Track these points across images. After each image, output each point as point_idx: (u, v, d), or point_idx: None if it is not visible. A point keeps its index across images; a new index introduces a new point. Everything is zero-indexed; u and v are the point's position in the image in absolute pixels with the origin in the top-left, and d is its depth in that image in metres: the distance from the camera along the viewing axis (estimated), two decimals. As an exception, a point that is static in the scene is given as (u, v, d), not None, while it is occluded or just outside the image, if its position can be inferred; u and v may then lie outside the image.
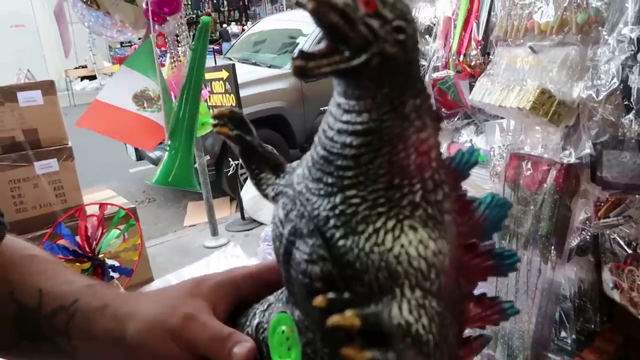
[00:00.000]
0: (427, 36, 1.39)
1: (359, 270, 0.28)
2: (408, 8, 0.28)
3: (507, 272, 0.30)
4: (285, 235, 0.32)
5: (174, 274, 1.48)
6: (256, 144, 0.40)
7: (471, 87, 1.20)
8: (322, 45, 0.27)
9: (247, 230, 3.46)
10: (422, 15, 1.42)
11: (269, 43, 5.01)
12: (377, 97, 0.28)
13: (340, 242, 0.28)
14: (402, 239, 0.27)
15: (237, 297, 0.40)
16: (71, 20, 2.18)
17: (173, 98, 2.24)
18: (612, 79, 0.84)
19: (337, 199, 0.29)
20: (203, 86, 2.25)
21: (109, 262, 1.44)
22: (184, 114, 2.09)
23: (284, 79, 4.23)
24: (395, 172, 0.28)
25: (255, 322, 0.37)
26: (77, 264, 1.36)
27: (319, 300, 0.25)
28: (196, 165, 3.08)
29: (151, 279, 2.05)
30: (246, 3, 14.66)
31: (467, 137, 1.33)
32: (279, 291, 0.37)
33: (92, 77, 10.08)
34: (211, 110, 3.20)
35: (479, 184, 1.17)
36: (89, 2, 1.95)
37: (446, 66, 1.31)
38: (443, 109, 1.34)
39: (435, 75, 1.33)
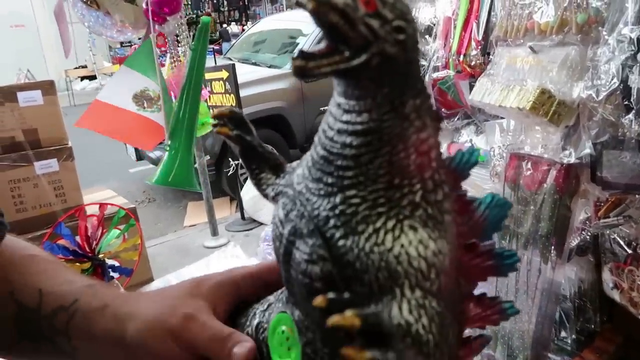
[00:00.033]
0: (427, 36, 1.39)
1: (359, 270, 0.28)
2: (408, 8, 0.28)
3: (507, 272, 0.30)
4: (285, 235, 0.32)
5: (174, 274, 1.48)
6: (256, 144, 0.40)
7: (471, 87, 1.21)
8: (322, 45, 0.27)
9: (247, 230, 3.46)
10: (422, 15, 1.42)
11: (269, 43, 5.01)
12: (377, 97, 0.28)
13: (340, 242, 0.28)
14: (402, 239, 0.27)
15: (237, 297, 0.40)
16: (71, 20, 2.18)
17: (173, 98, 2.24)
18: (612, 79, 0.84)
19: (337, 199, 0.29)
20: (203, 86, 2.25)
21: (109, 262, 1.44)
22: (184, 114, 2.09)
23: (284, 79, 4.23)
24: (395, 172, 0.28)
25: (256, 322, 0.37)
26: (77, 264, 1.36)
27: (318, 300, 0.25)
28: (196, 165, 3.08)
29: (151, 279, 2.05)
30: (246, 3, 14.66)
31: (467, 137, 1.33)
32: (279, 291, 0.37)
33: (92, 77, 10.08)
34: (211, 110, 3.20)
35: (479, 184, 1.17)
36: (89, 2, 1.95)
37: (446, 66, 1.31)
38: (443, 109, 1.34)
39: (435, 75, 1.33)
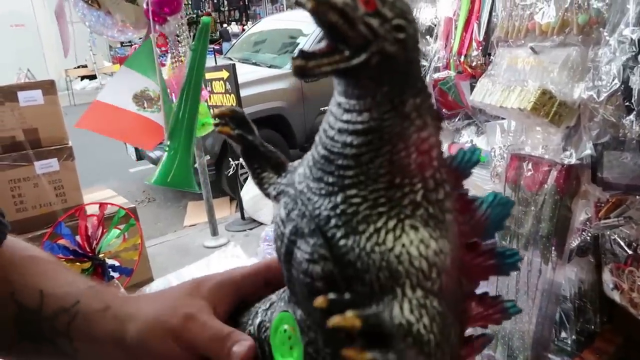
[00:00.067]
0: (428, 37, 1.39)
1: (360, 269, 0.28)
2: (408, 7, 0.28)
3: (509, 271, 0.30)
4: (286, 235, 0.32)
5: (174, 274, 1.47)
6: (258, 143, 0.39)
7: (472, 87, 1.21)
8: (322, 44, 0.27)
9: (247, 230, 3.46)
10: (423, 15, 1.42)
11: (269, 43, 5.01)
12: (377, 96, 0.28)
13: (342, 242, 0.28)
14: (403, 239, 0.27)
15: (238, 296, 0.40)
16: (72, 20, 2.18)
17: (174, 98, 2.24)
18: (613, 80, 0.84)
19: (338, 199, 0.29)
20: (203, 87, 2.24)
21: (109, 261, 1.44)
22: (183, 114, 2.08)
23: (284, 79, 4.24)
24: (396, 171, 0.28)
25: (258, 320, 0.37)
26: (78, 263, 1.36)
27: (319, 301, 0.25)
28: (196, 165, 3.08)
29: (151, 279, 2.05)
30: (246, 3, 14.67)
31: (468, 138, 1.34)
32: (281, 290, 0.37)
33: (92, 77, 10.08)
34: (211, 110, 3.20)
35: (480, 185, 1.17)
36: (90, 2, 1.94)
37: (447, 67, 1.31)
38: (444, 110, 1.34)
39: (436, 75, 1.33)
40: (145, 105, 2.20)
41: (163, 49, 2.40)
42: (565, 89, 0.94)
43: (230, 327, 0.37)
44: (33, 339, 0.42)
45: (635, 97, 0.82)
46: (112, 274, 1.43)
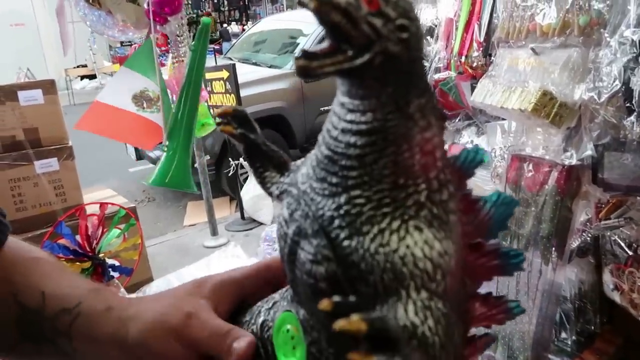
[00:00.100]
0: (428, 37, 1.39)
1: (364, 271, 0.28)
2: (411, 6, 0.28)
3: (512, 272, 0.30)
4: (289, 235, 0.32)
5: (174, 274, 1.47)
6: (260, 142, 0.39)
7: (473, 88, 1.21)
8: (325, 44, 0.27)
9: (247, 230, 3.46)
10: (424, 16, 1.42)
11: (270, 43, 5.01)
12: (381, 96, 0.28)
13: (345, 243, 0.28)
14: (407, 240, 0.27)
15: (239, 296, 0.40)
16: (73, 19, 2.17)
17: (175, 98, 2.23)
18: (613, 81, 0.84)
19: (342, 199, 0.29)
20: (203, 87, 2.24)
21: (109, 261, 1.43)
22: (182, 114, 2.08)
23: (284, 79, 4.24)
24: (400, 172, 0.28)
25: (260, 320, 0.37)
26: (78, 263, 1.36)
27: (324, 304, 0.25)
28: (196, 165, 3.08)
29: (151, 279, 2.05)
30: (246, 3, 14.67)
31: (468, 138, 1.34)
32: (284, 289, 0.37)
33: (92, 77, 10.07)
34: (211, 111, 3.20)
35: (480, 186, 1.17)
36: (91, 1, 1.94)
37: (448, 67, 1.31)
38: (444, 110, 1.34)
39: (436, 76, 1.33)
40: (145, 105, 2.20)
41: (163, 48, 2.39)
42: (566, 90, 0.94)
43: (230, 324, 0.37)
44: (34, 340, 0.42)
45: (636, 99, 0.82)
46: (112, 273, 1.42)
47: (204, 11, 13.31)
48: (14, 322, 0.42)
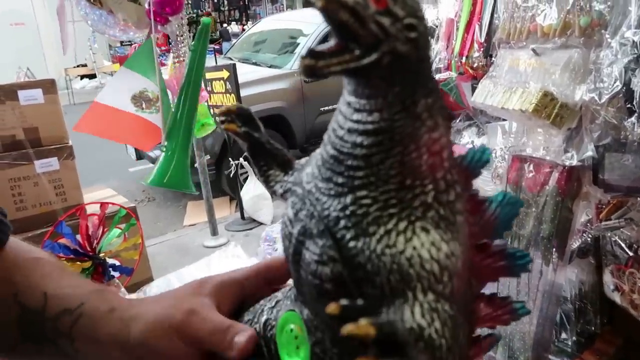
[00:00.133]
0: (429, 38, 1.39)
1: (370, 272, 0.27)
2: (419, 5, 0.28)
3: (519, 273, 0.30)
4: (294, 235, 0.32)
5: (174, 274, 1.47)
6: (264, 140, 0.39)
7: (473, 89, 1.21)
8: (331, 43, 0.27)
9: (247, 230, 3.46)
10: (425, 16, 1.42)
11: (270, 43, 5.01)
12: (388, 96, 0.28)
13: (351, 244, 0.28)
14: (414, 241, 0.27)
15: (240, 296, 0.40)
16: (73, 19, 2.17)
17: (174, 99, 2.23)
18: (614, 82, 0.85)
19: (348, 200, 0.29)
20: (203, 87, 2.24)
21: (110, 261, 1.43)
22: (181, 115, 2.08)
23: (284, 79, 4.24)
24: (406, 172, 0.28)
25: (263, 318, 0.37)
26: (78, 262, 1.36)
27: (332, 308, 0.24)
28: (196, 165, 3.08)
29: (150, 279, 2.04)
30: (246, 3, 14.67)
31: (469, 139, 1.34)
32: (287, 288, 0.37)
33: (92, 76, 10.07)
34: (211, 111, 3.20)
35: (481, 186, 1.17)
36: (92, 0, 1.94)
37: (448, 68, 1.31)
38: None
39: (437, 76, 1.33)
40: (144, 106, 2.19)
41: (163, 48, 2.38)
42: (567, 90, 0.94)
43: (231, 320, 0.37)
44: (36, 340, 0.42)
45: (637, 99, 0.82)
46: (112, 273, 1.42)
47: (204, 11, 13.32)
48: (14, 323, 0.42)
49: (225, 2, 14.40)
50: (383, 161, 0.28)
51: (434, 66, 1.35)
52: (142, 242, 1.77)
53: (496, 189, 1.13)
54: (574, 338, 1.11)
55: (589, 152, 0.91)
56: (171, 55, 2.24)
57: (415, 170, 0.28)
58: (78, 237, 1.38)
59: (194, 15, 11.87)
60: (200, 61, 2.03)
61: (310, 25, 4.53)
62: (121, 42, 9.40)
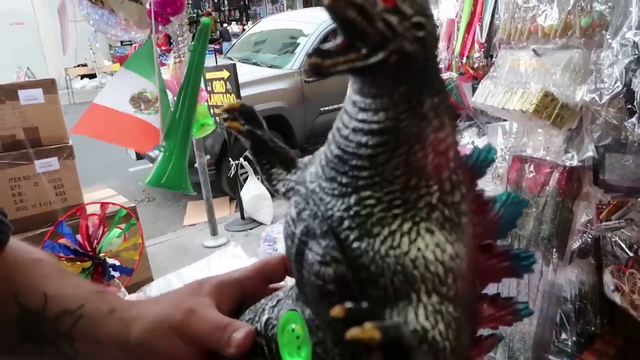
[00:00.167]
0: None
1: (374, 273, 0.27)
2: (428, 3, 0.27)
3: (523, 274, 0.30)
4: (297, 235, 0.32)
5: (174, 274, 1.47)
6: (267, 138, 0.38)
7: (474, 89, 1.21)
8: (338, 41, 0.26)
9: (247, 230, 3.46)
10: (425, 17, 1.42)
11: (270, 43, 5.01)
12: (394, 95, 0.27)
13: (355, 244, 0.28)
14: (418, 242, 0.27)
15: (240, 296, 0.40)
16: (75, 18, 2.17)
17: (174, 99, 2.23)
18: (615, 83, 0.85)
19: (352, 200, 0.28)
20: (202, 88, 2.23)
21: (110, 261, 1.43)
22: (180, 115, 2.07)
23: (284, 79, 4.24)
24: (411, 172, 0.28)
25: (265, 317, 0.37)
26: (78, 262, 1.36)
27: (336, 311, 0.24)
28: (196, 165, 3.08)
29: (150, 279, 2.04)
30: (247, 3, 14.67)
31: (469, 139, 1.34)
32: (288, 287, 0.37)
33: (92, 76, 10.06)
34: (211, 111, 3.19)
35: (482, 187, 1.17)
36: (94, 0, 1.94)
37: (449, 68, 1.31)
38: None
39: (438, 77, 1.33)
40: (142, 107, 2.19)
41: (163, 48, 2.38)
42: (568, 91, 0.94)
43: (229, 318, 0.37)
44: (35, 341, 0.42)
45: (637, 100, 0.82)
46: (112, 273, 1.42)
47: (204, 11, 13.32)
48: (14, 323, 0.42)
49: (226, 2, 14.40)
50: (388, 161, 0.28)
51: (434, 66, 1.35)
52: (142, 242, 1.77)
53: (496, 190, 1.13)
54: (574, 338, 1.11)
55: (590, 152, 0.91)
56: (172, 55, 2.24)
57: (420, 170, 0.28)
58: (78, 237, 1.38)
59: (194, 15, 11.88)
60: (199, 61, 2.03)
61: (311, 25, 4.53)
62: (121, 42, 9.40)
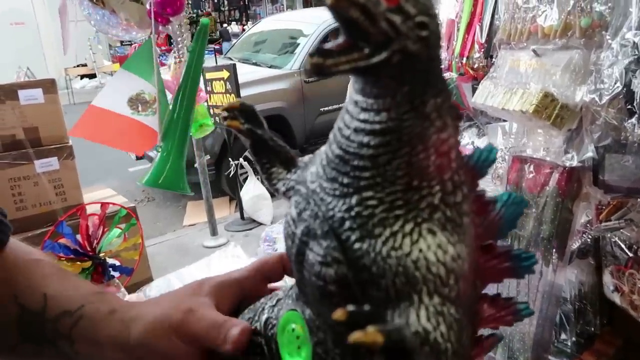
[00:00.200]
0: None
1: (376, 274, 0.27)
2: (431, 2, 0.27)
3: (524, 274, 0.30)
4: (298, 235, 0.31)
5: (174, 274, 1.47)
6: (267, 137, 0.38)
7: (474, 89, 1.21)
8: (340, 40, 0.26)
9: (247, 230, 3.46)
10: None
11: (270, 43, 5.01)
12: (396, 95, 0.27)
13: (356, 245, 0.28)
14: (420, 244, 0.27)
15: (240, 296, 0.40)
16: (76, 18, 2.17)
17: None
18: (615, 83, 0.85)
19: (353, 200, 0.28)
20: (201, 88, 2.23)
21: (110, 261, 1.43)
22: (178, 115, 2.07)
23: (284, 79, 4.24)
24: (414, 173, 0.27)
25: (264, 317, 0.37)
26: (78, 262, 1.36)
27: (338, 314, 0.24)
28: (196, 165, 3.08)
29: (150, 279, 2.04)
30: (246, 3, 14.67)
31: (469, 140, 1.34)
32: (288, 287, 0.37)
33: (92, 76, 10.06)
34: (211, 111, 3.19)
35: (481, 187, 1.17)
36: (95, 0, 1.94)
37: (449, 69, 1.31)
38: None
39: (438, 77, 1.33)
40: (140, 108, 2.19)
41: (163, 48, 2.38)
42: (568, 91, 0.94)
43: (227, 317, 0.37)
44: (35, 341, 0.42)
45: (638, 101, 0.82)
46: (112, 273, 1.42)
47: (204, 11, 13.33)
48: (14, 323, 0.42)
49: (225, 2, 14.41)
50: (390, 162, 0.27)
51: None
52: (142, 242, 1.77)
53: (496, 190, 1.13)
54: (574, 339, 1.11)
55: (589, 153, 0.91)
56: (172, 55, 2.24)
57: (422, 171, 0.28)
58: (78, 237, 1.39)
59: (194, 15, 11.88)
60: (198, 62, 2.03)
61: (311, 25, 4.53)
62: (121, 42, 9.40)
